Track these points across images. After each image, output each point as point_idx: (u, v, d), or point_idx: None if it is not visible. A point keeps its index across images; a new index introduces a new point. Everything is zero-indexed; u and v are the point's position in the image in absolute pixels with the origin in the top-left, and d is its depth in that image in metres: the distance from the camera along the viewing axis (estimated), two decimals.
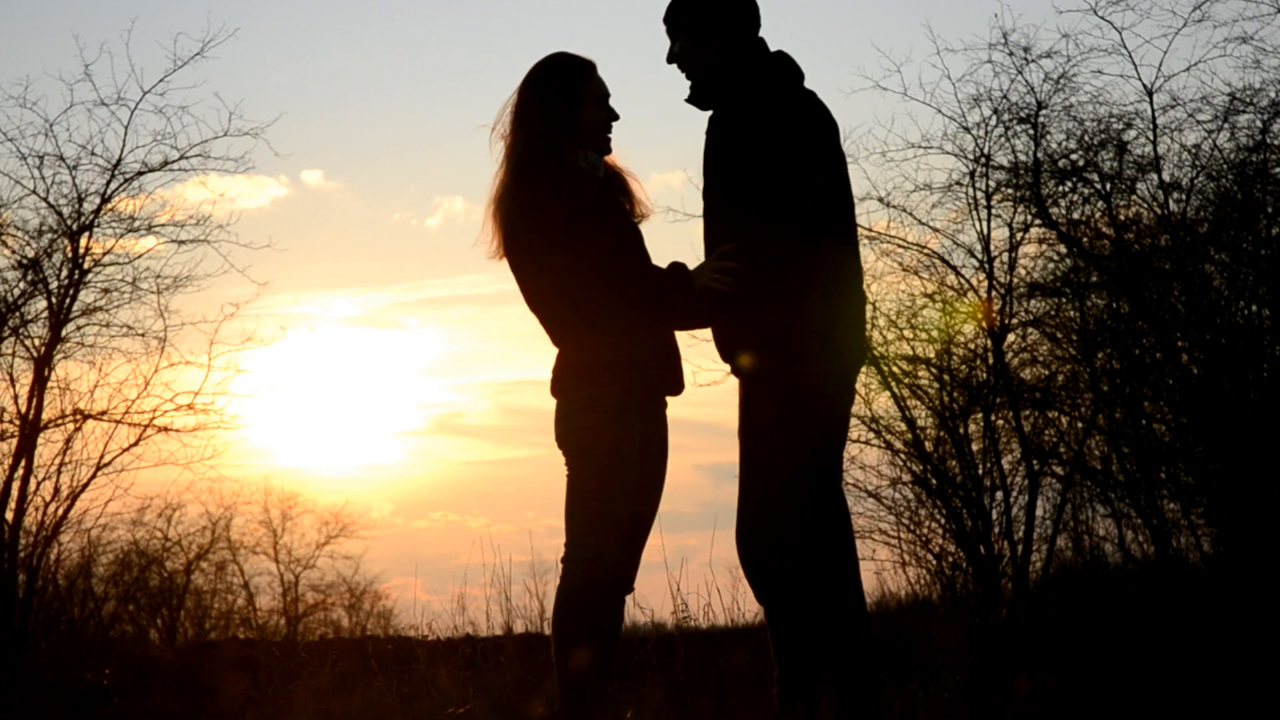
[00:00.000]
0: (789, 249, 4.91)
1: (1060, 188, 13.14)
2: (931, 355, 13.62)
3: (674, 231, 17.86)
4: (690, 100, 5.12)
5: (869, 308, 13.55)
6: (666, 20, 5.14)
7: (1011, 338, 13.48)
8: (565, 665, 4.98)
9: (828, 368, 4.97)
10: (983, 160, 13.22)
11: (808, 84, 5.13)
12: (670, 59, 5.15)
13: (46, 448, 13.01)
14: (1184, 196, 12.80)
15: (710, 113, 5.07)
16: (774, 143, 4.90)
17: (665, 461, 5.17)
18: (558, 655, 5.00)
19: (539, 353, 25.23)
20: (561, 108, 5.05)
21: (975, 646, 8.30)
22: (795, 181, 4.89)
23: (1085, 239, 13.22)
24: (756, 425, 4.98)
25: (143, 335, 13.15)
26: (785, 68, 5.06)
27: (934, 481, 13.45)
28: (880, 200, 13.47)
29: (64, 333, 12.92)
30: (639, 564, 5.17)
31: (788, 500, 4.90)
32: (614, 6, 28.12)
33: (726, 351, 5.07)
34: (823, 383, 4.96)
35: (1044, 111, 13.06)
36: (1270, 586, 10.83)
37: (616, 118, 5.15)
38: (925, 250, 13.53)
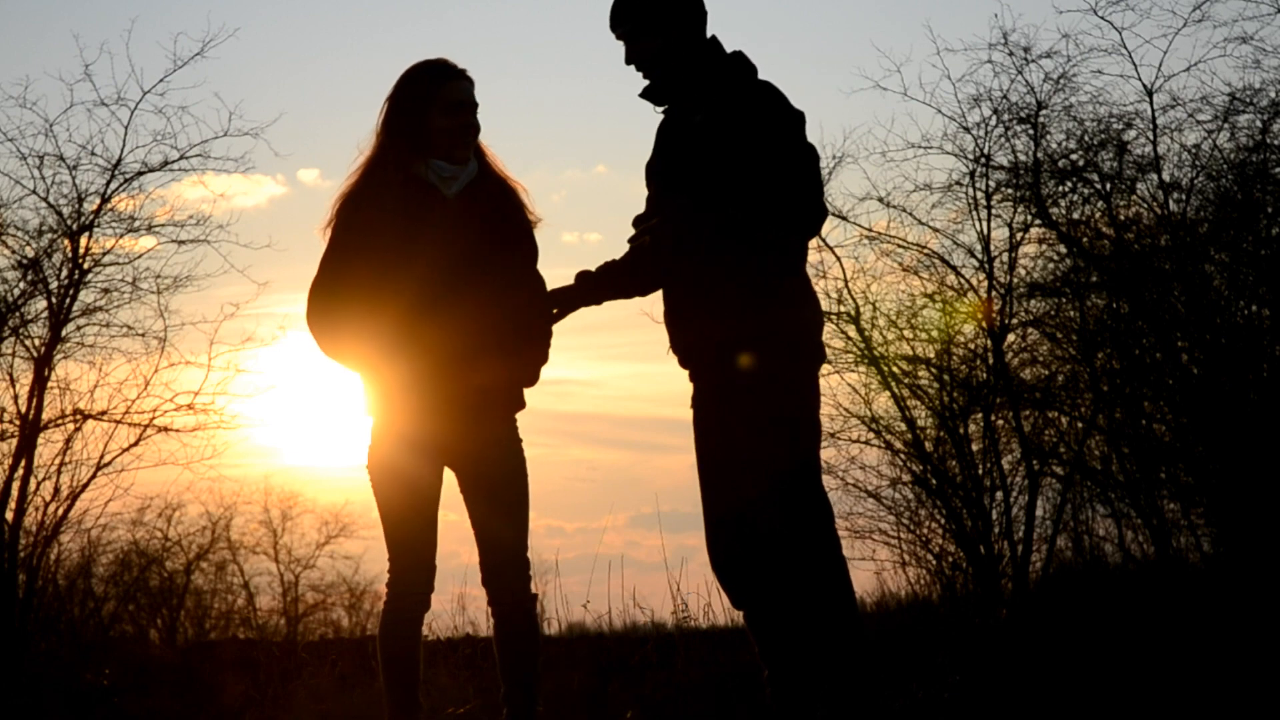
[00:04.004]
0: (765, 251, 4.85)
1: (1060, 188, 13.15)
2: (931, 355, 13.61)
3: None
4: (644, 95, 5.06)
5: (869, 308, 13.56)
6: (612, 19, 5.08)
7: (1011, 338, 13.47)
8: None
9: (807, 367, 4.93)
10: (983, 160, 13.23)
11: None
12: (628, 60, 5.09)
13: (46, 448, 13.01)
14: (1184, 196, 12.80)
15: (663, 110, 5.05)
16: (726, 137, 4.85)
17: (500, 474, 4.98)
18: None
19: None
20: (409, 118, 4.95)
21: (975, 646, 8.30)
22: (748, 177, 4.80)
23: (1085, 239, 13.22)
24: (746, 428, 4.89)
25: (143, 335, 13.15)
26: (739, 65, 5.01)
27: (934, 481, 13.44)
28: (880, 200, 13.48)
29: (64, 333, 12.92)
30: (504, 581, 5.01)
31: (775, 502, 4.85)
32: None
33: (717, 355, 4.95)
34: (808, 382, 4.93)
35: (1044, 111, 13.07)
36: (1270, 586, 10.82)
37: (474, 125, 4.99)
38: (925, 250, 13.54)
